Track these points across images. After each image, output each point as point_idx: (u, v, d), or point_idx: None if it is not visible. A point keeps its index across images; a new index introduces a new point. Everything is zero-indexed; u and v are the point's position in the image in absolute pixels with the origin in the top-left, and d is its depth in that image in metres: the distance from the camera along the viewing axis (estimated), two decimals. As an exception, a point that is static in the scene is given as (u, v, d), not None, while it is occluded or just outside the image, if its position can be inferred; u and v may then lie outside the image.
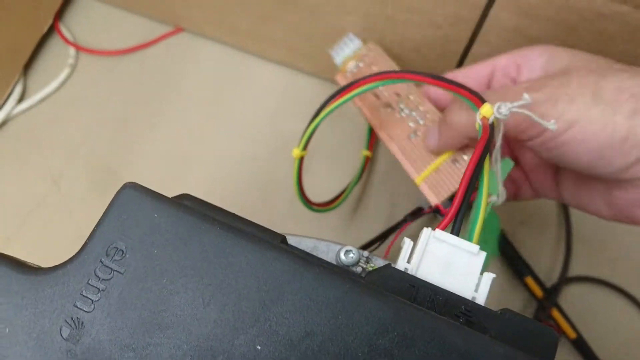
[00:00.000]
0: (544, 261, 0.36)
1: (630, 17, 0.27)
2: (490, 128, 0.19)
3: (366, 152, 0.37)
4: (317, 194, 0.32)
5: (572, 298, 0.35)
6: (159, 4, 0.40)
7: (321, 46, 0.38)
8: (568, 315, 0.34)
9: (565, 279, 0.35)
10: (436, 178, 0.26)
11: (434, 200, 0.26)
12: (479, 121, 0.20)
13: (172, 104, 0.40)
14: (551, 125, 0.21)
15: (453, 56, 0.34)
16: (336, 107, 0.26)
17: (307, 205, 0.30)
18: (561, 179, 0.29)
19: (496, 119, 0.20)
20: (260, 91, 0.41)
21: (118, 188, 0.15)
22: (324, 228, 0.36)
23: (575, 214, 0.37)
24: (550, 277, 0.36)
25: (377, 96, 0.30)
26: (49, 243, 0.36)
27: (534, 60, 0.25)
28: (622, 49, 0.29)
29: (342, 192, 0.34)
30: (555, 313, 0.34)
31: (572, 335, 0.34)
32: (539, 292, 0.35)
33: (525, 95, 0.21)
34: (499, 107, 0.20)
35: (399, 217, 0.31)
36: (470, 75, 0.28)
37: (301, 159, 0.28)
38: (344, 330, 0.13)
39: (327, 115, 0.26)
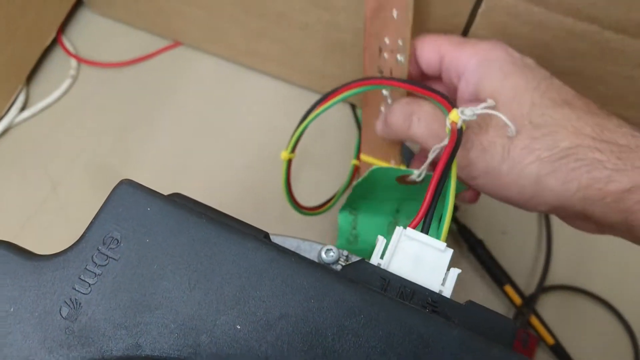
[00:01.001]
0: (524, 270, 0.38)
1: (599, 37, 0.29)
2: (458, 132, 0.21)
3: (355, 162, 0.38)
4: (307, 201, 0.34)
5: (551, 306, 0.37)
6: (158, 19, 0.42)
7: (312, 61, 0.40)
8: (546, 322, 0.36)
9: (543, 288, 0.37)
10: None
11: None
12: (448, 125, 0.21)
13: (169, 114, 0.41)
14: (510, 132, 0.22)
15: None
16: (322, 112, 0.28)
17: (294, 206, 0.31)
18: None
19: (463, 122, 0.21)
20: (254, 103, 0.42)
21: (115, 194, 0.16)
22: (313, 234, 0.38)
23: (555, 225, 0.38)
24: (530, 285, 0.37)
25: (380, 50, 0.30)
26: (48, 247, 0.37)
27: (470, 74, 0.26)
28: (595, 66, 0.31)
29: (331, 199, 0.36)
30: (534, 320, 0.36)
31: (551, 341, 0.35)
32: (517, 299, 0.36)
33: (489, 100, 0.23)
34: (462, 111, 0.21)
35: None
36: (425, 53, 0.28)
37: (289, 162, 0.29)
38: (315, 313, 0.14)
39: (313, 119, 0.28)
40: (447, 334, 0.14)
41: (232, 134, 0.41)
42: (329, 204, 0.35)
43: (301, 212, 0.32)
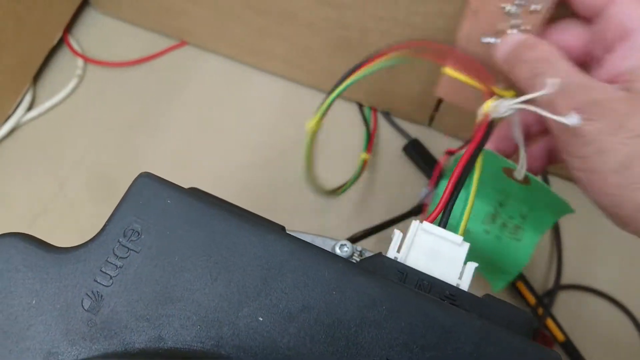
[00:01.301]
0: (536, 270, 0.38)
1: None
2: (488, 127, 0.20)
3: (365, 155, 0.38)
4: (312, 199, 0.34)
5: (561, 304, 0.37)
6: (164, 18, 0.42)
7: (318, 59, 0.40)
8: (557, 319, 0.36)
9: (557, 287, 0.37)
10: (458, 88, 0.25)
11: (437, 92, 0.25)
12: (480, 114, 0.20)
13: (175, 113, 0.41)
14: (572, 118, 0.18)
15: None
16: (360, 78, 0.25)
17: (312, 183, 0.28)
18: None
19: (494, 118, 0.20)
20: (260, 102, 0.42)
21: (122, 194, 0.16)
22: (321, 231, 0.38)
23: (565, 224, 0.38)
24: (545, 285, 0.37)
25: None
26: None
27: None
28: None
29: (343, 185, 0.35)
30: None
31: (561, 338, 0.35)
32: (531, 299, 0.36)
33: (549, 85, 0.18)
34: (496, 106, 0.20)
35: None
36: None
37: (314, 134, 0.26)
38: (337, 305, 0.14)
39: (350, 84, 0.25)
40: (469, 325, 0.14)
41: (238, 133, 0.41)
42: (341, 189, 0.34)
43: (318, 191, 0.30)
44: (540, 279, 0.37)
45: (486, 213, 0.28)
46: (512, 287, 0.36)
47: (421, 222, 0.19)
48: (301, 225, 0.38)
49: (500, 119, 0.21)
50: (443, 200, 0.19)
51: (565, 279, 0.37)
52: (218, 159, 0.40)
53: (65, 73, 0.41)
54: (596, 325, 0.36)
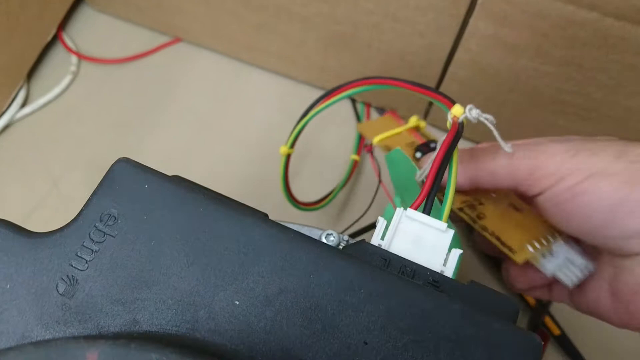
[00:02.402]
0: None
1: (599, 24, 0.29)
2: (459, 125, 0.21)
3: (355, 157, 0.38)
4: (306, 195, 0.34)
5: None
6: (158, 15, 0.42)
7: (312, 54, 0.40)
8: (552, 313, 0.35)
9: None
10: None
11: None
12: (449, 119, 0.21)
13: (169, 111, 0.41)
14: (507, 148, 0.21)
15: (437, 62, 0.36)
16: (323, 109, 0.27)
17: (291, 201, 0.31)
18: None
19: (466, 118, 0.21)
20: (255, 99, 0.42)
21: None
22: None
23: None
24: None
25: None
26: (48, 242, 0.37)
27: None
28: (594, 55, 0.31)
29: (329, 194, 0.35)
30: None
31: (557, 331, 0.35)
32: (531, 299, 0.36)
33: (489, 116, 0.21)
34: (470, 109, 0.21)
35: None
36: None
37: (288, 157, 0.29)
38: (315, 288, 0.14)
39: (314, 115, 0.28)
40: (448, 308, 0.14)
41: (233, 129, 0.41)
42: (326, 200, 0.35)
43: (298, 208, 0.32)
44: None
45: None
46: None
47: (405, 209, 0.19)
48: (295, 220, 0.37)
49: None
50: (426, 187, 0.19)
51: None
52: (213, 155, 0.40)
53: (60, 70, 0.42)
54: (591, 319, 0.36)
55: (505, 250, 0.23)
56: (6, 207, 0.38)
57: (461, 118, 0.21)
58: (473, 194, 0.25)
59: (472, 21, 0.32)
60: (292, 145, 0.29)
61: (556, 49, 0.31)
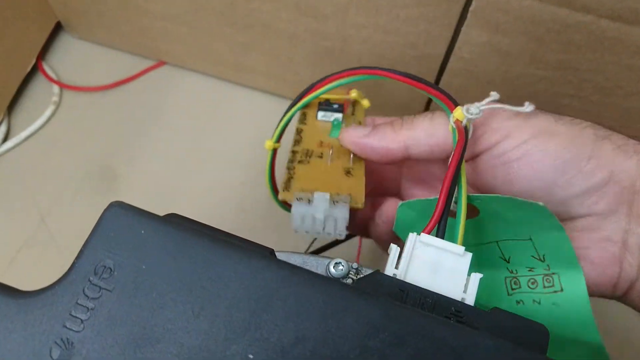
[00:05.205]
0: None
1: (594, 27, 0.28)
2: (465, 131, 0.20)
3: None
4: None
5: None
6: (141, 39, 0.41)
7: (301, 71, 0.39)
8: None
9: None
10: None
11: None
12: (452, 124, 0.20)
13: (157, 136, 0.40)
14: (527, 107, 0.20)
15: (430, 73, 0.35)
16: (308, 101, 0.26)
17: (275, 199, 0.29)
18: None
19: (468, 120, 0.20)
20: (244, 119, 0.41)
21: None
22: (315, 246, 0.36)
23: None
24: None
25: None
26: (40, 281, 0.35)
27: None
28: (590, 58, 0.30)
29: None
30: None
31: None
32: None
33: (493, 93, 0.21)
34: (467, 109, 0.20)
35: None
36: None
37: (274, 152, 0.28)
38: (334, 333, 0.13)
39: (299, 108, 0.27)
40: (482, 346, 0.13)
41: (223, 151, 0.40)
42: None
43: (282, 207, 0.30)
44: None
45: (504, 280, 0.21)
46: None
47: (418, 234, 0.18)
48: (295, 242, 0.36)
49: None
50: (437, 211, 0.18)
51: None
52: (204, 179, 0.39)
53: (41, 100, 0.40)
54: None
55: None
56: (-8, 247, 0.36)
57: (464, 121, 0.20)
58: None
59: (464, 29, 0.31)
60: (278, 140, 0.28)
61: (551, 53, 0.31)
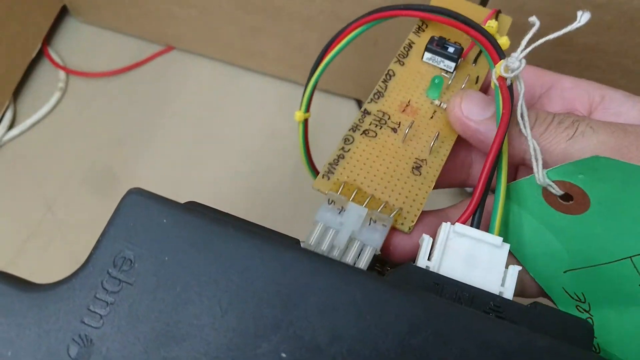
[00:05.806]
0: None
1: (626, 6, 0.27)
2: (511, 90, 0.16)
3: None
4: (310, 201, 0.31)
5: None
6: (149, 23, 0.40)
7: (313, 56, 0.38)
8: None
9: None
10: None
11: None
12: (495, 81, 0.17)
13: (165, 122, 0.39)
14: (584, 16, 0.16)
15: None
16: (333, 58, 0.21)
17: (313, 173, 0.25)
18: None
19: (514, 77, 0.17)
20: (254, 105, 0.40)
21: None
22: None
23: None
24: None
25: None
26: (47, 271, 0.35)
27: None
28: (620, 39, 0.29)
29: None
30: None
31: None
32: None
33: (532, 18, 0.17)
34: (511, 61, 0.16)
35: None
36: None
37: (305, 122, 0.23)
38: (373, 331, 0.12)
39: (324, 69, 0.22)
40: (533, 346, 0.12)
41: (233, 138, 0.39)
42: None
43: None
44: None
45: None
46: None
47: (452, 224, 0.17)
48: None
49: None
50: (474, 199, 0.17)
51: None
52: (215, 168, 0.38)
53: (47, 87, 0.39)
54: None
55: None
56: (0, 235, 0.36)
57: (509, 80, 0.17)
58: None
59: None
60: (307, 109, 0.23)
61: (578, 35, 0.29)
